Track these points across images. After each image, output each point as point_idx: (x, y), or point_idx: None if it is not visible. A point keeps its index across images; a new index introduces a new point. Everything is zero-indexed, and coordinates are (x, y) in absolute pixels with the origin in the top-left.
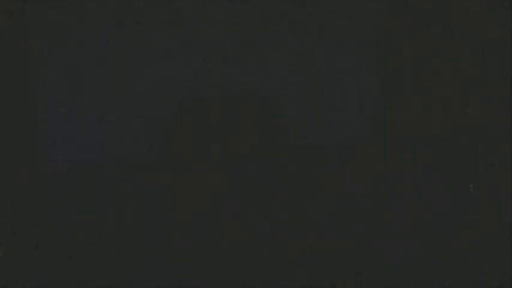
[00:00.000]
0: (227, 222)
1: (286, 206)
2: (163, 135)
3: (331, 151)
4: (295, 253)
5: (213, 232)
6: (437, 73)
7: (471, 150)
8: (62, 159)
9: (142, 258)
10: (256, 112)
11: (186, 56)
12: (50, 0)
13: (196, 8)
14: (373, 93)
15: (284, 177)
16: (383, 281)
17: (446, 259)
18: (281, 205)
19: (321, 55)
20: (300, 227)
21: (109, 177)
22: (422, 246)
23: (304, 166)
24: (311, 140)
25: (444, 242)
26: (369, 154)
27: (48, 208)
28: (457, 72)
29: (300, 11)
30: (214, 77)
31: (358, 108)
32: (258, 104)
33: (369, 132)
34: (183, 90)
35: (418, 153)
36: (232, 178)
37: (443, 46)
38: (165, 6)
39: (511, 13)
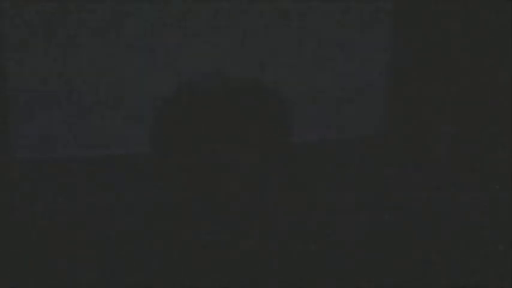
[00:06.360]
0: (227, 222)
1: (287, 204)
2: (160, 128)
3: (338, 147)
4: (298, 252)
5: (212, 231)
6: (438, 73)
7: (479, 148)
8: (42, 157)
9: (141, 258)
10: (258, 105)
11: (187, 47)
12: None
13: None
14: (382, 88)
15: (285, 174)
16: (383, 279)
17: (450, 259)
18: (281, 204)
19: (328, 46)
20: (303, 227)
21: (102, 172)
22: (425, 246)
23: (307, 164)
24: (313, 137)
25: (449, 242)
26: (378, 151)
27: (29, 205)
28: (457, 72)
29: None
30: (215, 67)
31: (367, 103)
32: (260, 96)
33: (377, 128)
34: (181, 81)
35: (427, 151)
36: (233, 176)
37: (446, 45)
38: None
39: (511, 13)
